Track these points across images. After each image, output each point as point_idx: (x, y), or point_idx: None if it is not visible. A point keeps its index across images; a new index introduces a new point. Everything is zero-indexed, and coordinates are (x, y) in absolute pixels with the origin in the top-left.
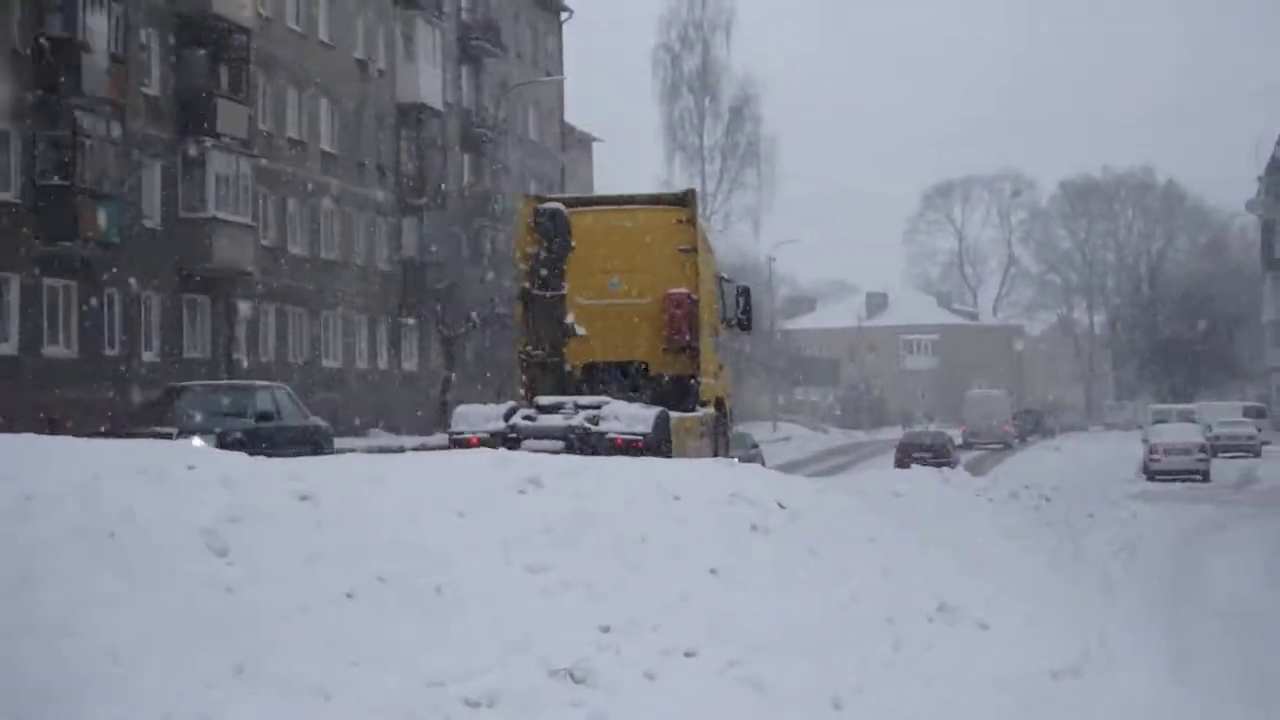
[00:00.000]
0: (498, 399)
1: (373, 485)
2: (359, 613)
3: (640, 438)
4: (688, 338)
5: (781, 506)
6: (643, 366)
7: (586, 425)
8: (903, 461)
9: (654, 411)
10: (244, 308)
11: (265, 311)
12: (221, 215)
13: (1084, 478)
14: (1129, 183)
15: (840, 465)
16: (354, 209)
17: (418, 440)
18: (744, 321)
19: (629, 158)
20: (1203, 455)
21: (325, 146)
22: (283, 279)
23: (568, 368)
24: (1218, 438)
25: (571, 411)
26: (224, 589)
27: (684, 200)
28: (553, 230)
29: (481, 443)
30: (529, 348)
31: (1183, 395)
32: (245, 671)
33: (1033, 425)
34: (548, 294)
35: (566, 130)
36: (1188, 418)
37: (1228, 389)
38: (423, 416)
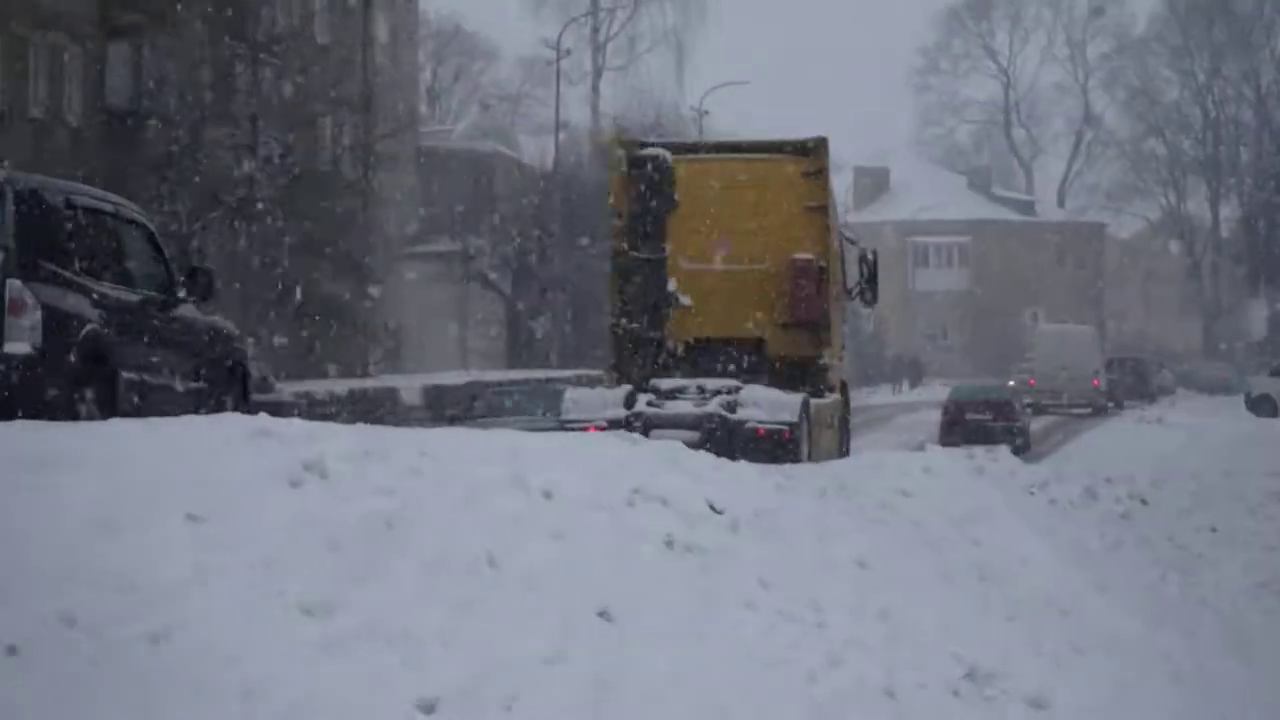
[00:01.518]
0: (258, 328)
1: (54, 474)
2: (30, 677)
3: (787, 428)
4: (815, 312)
5: (716, 511)
6: (758, 344)
7: (723, 413)
8: (954, 429)
9: (799, 397)
10: None
11: None
12: None
13: (1203, 467)
14: None
15: None
16: (28, 29)
17: None
18: (868, 294)
19: None
20: None
21: None
22: None
23: (669, 344)
24: None
25: (698, 396)
26: None
27: (812, 149)
28: (653, 181)
29: (603, 430)
30: (622, 319)
31: None
32: None
33: (1135, 380)
34: (646, 256)
35: None
36: None
37: None
38: None
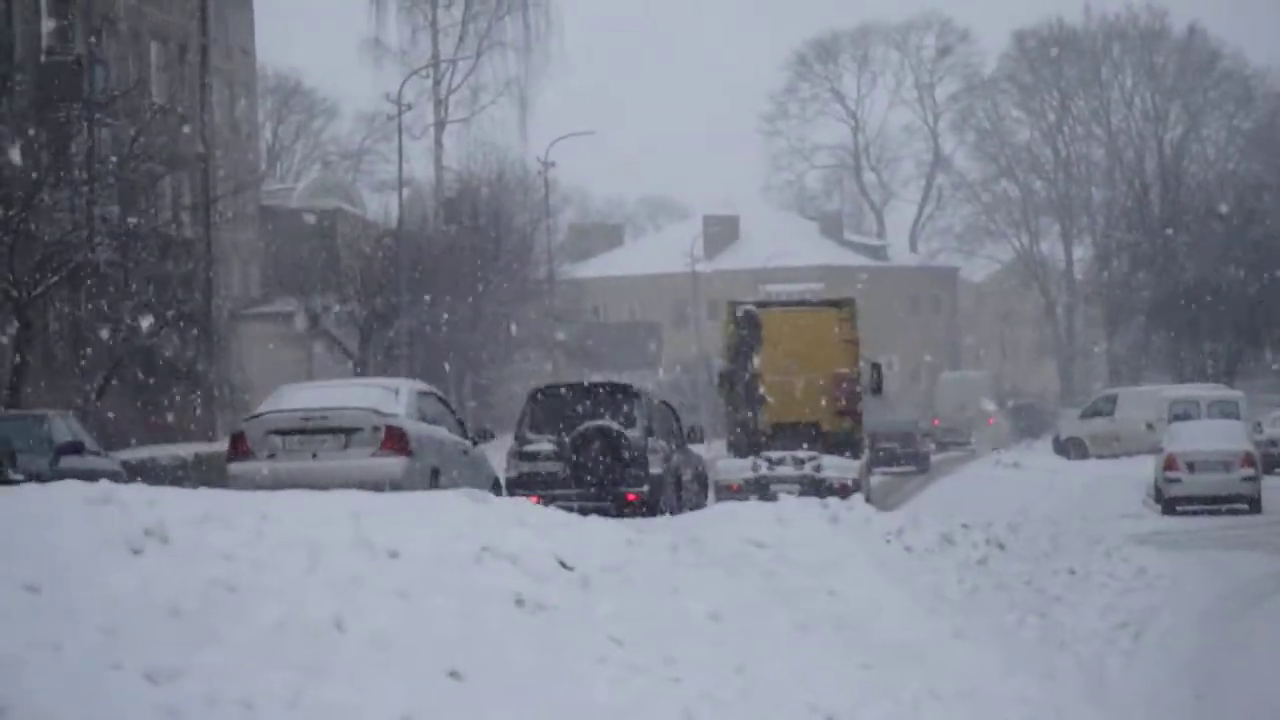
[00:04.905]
0: (98, 399)
1: None
2: None
3: (852, 481)
4: (852, 406)
5: (566, 568)
6: (816, 426)
7: (813, 474)
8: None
9: (858, 461)
10: None
11: None
12: None
13: (1061, 510)
14: (1126, 33)
15: None
16: None
17: None
18: (877, 389)
19: (312, 2)
20: (1249, 472)
21: None
22: None
23: (761, 426)
24: (1274, 442)
25: (795, 463)
26: None
27: (846, 304)
28: (747, 326)
29: (740, 487)
30: (731, 411)
31: (1216, 373)
32: None
33: (1032, 423)
34: (744, 373)
35: None
36: (1226, 410)
37: None
38: None
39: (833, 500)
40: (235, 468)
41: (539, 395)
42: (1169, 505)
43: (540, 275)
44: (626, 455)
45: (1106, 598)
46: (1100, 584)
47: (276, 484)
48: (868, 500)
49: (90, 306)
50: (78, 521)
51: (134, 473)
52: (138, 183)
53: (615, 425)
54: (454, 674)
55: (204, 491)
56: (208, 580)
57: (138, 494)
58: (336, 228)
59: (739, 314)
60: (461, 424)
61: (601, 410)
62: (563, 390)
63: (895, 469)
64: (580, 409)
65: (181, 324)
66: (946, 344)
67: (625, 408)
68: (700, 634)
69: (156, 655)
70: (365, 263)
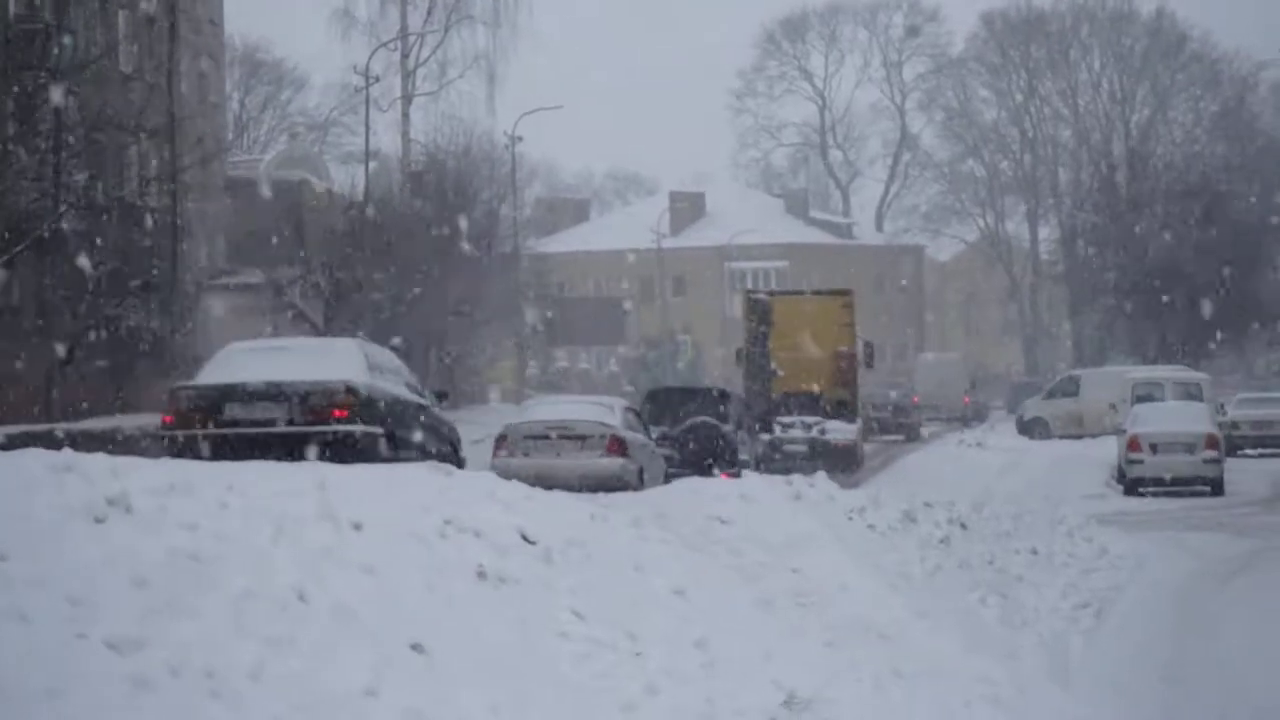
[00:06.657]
0: (62, 369)
1: None
2: None
3: (851, 442)
4: (850, 378)
5: (529, 541)
6: (818, 395)
7: (818, 435)
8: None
9: (854, 425)
10: None
11: None
12: None
13: (1024, 490)
14: (1095, 15)
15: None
16: None
17: None
18: (870, 362)
19: None
20: (1213, 453)
21: None
22: None
23: (772, 396)
24: (1236, 425)
25: (804, 427)
26: None
27: (845, 294)
28: (761, 311)
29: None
30: (748, 383)
31: (1179, 354)
32: None
33: (1026, 398)
34: (758, 351)
35: None
36: (1190, 392)
37: (1251, 344)
38: None
39: (796, 477)
40: (496, 462)
41: (654, 395)
42: (1131, 486)
43: (506, 250)
44: (722, 444)
45: (1068, 577)
46: (1062, 564)
47: (531, 476)
48: (862, 460)
49: (55, 276)
50: (42, 490)
51: (98, 443)
52: (104, 152)
53: (713, 420)
54: (416, 646)
55: (168, 461)
56: (172, 550)
57: (101, 463)
58: (303, 199)
59: (752, 302)
60: (646, 428)
61: (702, 407)
62: (672, 391)
63: (887, 437)
64: (686, 406)
65: (147, 294)
66: (911, 322)
67: (720, 405)
68: (663, 609)
69: (122, 625)
70: (330, 235)
